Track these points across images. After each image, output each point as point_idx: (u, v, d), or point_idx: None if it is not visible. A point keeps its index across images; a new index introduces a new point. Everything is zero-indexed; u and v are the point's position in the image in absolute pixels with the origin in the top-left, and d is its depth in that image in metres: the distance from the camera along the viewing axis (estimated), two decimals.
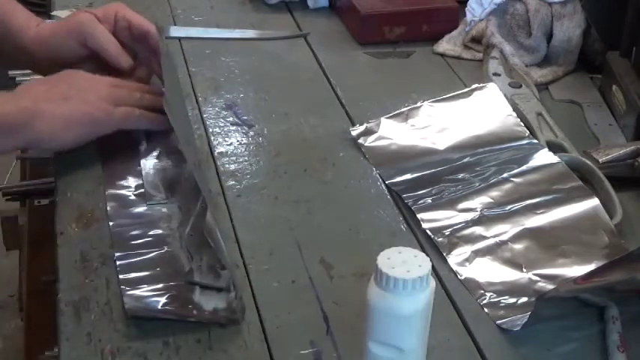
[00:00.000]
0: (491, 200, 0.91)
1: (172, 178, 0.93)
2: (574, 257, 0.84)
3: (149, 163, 0.95)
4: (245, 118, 1.06)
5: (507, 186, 0.93)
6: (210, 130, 1.03)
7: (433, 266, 0.66)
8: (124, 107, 0.96)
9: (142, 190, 0.91)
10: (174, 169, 0.94)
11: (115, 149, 0.98)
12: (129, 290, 0.76)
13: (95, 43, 1.02)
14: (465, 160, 0.96)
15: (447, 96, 1.06)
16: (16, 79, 1.18)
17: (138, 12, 1.26)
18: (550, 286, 0.80)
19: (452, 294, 0.80)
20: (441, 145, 0.99)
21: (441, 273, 0.83)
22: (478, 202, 0.91)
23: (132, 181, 0.92)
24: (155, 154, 0.96)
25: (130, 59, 1.04)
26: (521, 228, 0.88)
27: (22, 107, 0.90)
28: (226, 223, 0.88)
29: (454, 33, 1.25)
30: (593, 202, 0.90)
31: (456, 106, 1.04)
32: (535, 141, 0.99)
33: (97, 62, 1.03)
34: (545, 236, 0.87)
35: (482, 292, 0.80)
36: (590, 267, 0.82)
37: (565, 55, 1.19)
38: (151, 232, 0.85)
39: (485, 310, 0.79)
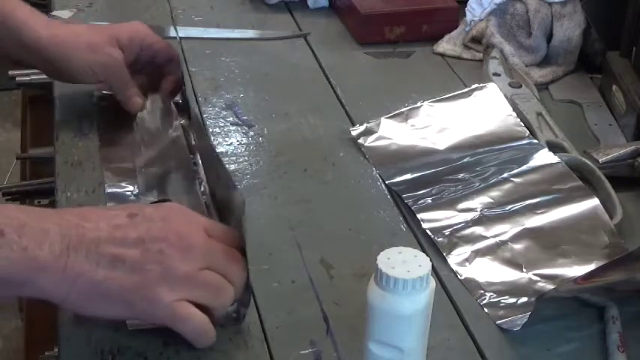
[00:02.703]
0: (491, 200, 0.91)
1: (163, 178, 0.92)
2: (574, 257, 0.84)
3: (144, 166, 0.94)
4: (245, 118, 1.06)
5: (507, 186, 0.93)
6: (210, 130, 1.03)
7: (433, 266, 0.66)
8: (192, 309, 0.70)
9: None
10: (165, 171, 0.93)
11: (116, 148, 0.98)
12: None
13: (115, 85, 1.00)
14: (465, 160, 0.96)
15: (447, 96, 1.06)
16: (17, 78, 1.18)
17: (138, 12, 1.27)
18: (550, 286, 0.80)
19: (452, 294, 0.80)
20: (441, 145, 0.99)
21: (441, 273, 0.83)
22: (478, 202, 0.91)
23: (132, 181, 0.92)
24: (152, 155, 0.96)
25: (142, 103, 1.01)
26: (521, 228, 0.88)
27: (29, 257, 0.66)
28: None
29: (454, 33, 1.25)
30: (593, 202, 0.90)
31: (456, 106, 1.04)
32: (535, 141, 0.99)
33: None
34: (545, 236, 0.87)
35: (482, 292, 0.80)
36: (590, 267, 0.82)
37: (565, 55, 1.19)
38: None
39: (485, 310, 0.79)
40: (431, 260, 0.64)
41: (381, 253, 0.64)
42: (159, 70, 1.04)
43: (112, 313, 0.70)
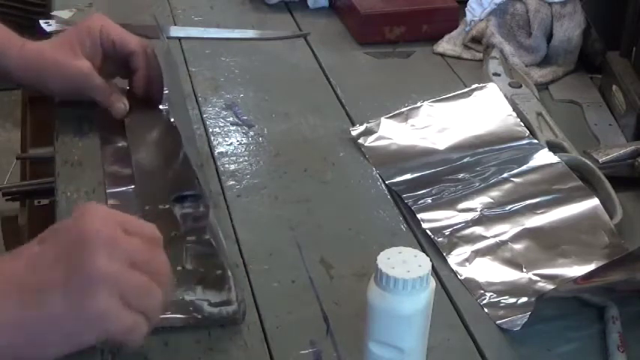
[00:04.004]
0: (491, 200, 0.91)
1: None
2: (574, 257, 0.84)
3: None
4: (245, 118, 1.06)
5: (507, 186, 0.93)
6: (210, 130, 1.03)
7: (433, 266, 0.66)
8: (136, 316, 0.66)
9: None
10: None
11: (117, 147, 0.98)
12: None
13: (92, 95, 1.00)
14: (465, 160, 0.96)
15: (447, 96, 1.06)
16: None
17: (138, 12, 1.27)
18: (550, 286, 0.80)
19: (452, 294, 0.80)
20: (441, 145, 0.99)
21: (441, 273, 0.83)
22: (478, 202, 0.91)
23: (133, 181, 0.92)
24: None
25: (124, 108, 1.01)
26: (521, 228, 0.88)
27: None
28: (226, 223, 0.88)
29: (454, 33, 1.25)
30: (593, 202, 0.90)
31: (456, 106, 1.04)
32: (535, 141, 0.99)
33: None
34: (545, 236, 0.87)
35: (482, 292, 0.80)
36: (590, 267, 0.82)
37: (565, 55, 1.19)
38: None
39: (485, 310, 0.79)
40: (431, 260, 0.64)
41: (381, 253, 0.64)
42: (128, 64, 1.03)
43: (69, 348, 0.65)
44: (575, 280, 0.76)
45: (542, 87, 1.15)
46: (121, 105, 1.01)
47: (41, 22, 1.22)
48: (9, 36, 1.00)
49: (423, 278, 0.63)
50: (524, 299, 0.79)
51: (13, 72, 0.99)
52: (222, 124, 1.05)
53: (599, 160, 0.95)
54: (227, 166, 0.97)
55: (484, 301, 0.79)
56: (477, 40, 1.22)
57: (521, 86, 1.09)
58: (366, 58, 1.22)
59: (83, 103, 1.04)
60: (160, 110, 1.04)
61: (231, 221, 0.88)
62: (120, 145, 0.98)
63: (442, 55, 1.23)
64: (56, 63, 0.98)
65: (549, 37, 1.18)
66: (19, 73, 0.99)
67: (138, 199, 0.89)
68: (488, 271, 0.83)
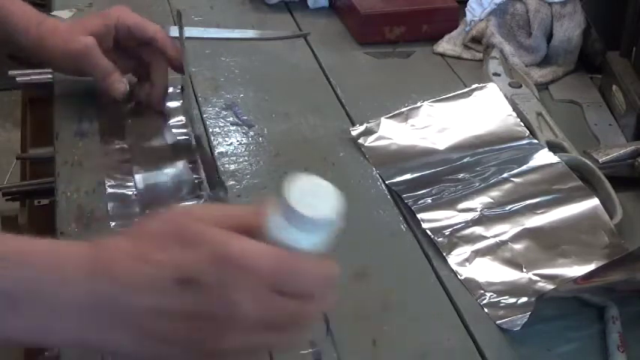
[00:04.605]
0: (491, 200, 0.91)
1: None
2: (574, 257, 0.84)
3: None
4: (245, 118, 1.06)
5: (507, 186, 0.93)
6: (210, 130, 1.03)
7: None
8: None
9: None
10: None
11: (117, 148, 0.98)
12: None
13: (93, 72, 1.01)
14: (465, 160, 0.96)
15: (447, 96, 1.06)
16: (17, 78, 1.18)
17: (138, 12, 1.26)
18: (550, 286, 0.80)
19: (452, 294, 0.80)
20: (441, 145, 0.99)
21: (441, 273, 0.83)
22: (478, 202, 0.91)
23: (133, 181, 0.92)
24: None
25: (124, 88, 1.01)
26: (521, 228, 0.88)
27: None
28: None
29: (454, 33, 1.25)
30: (593, 202, 0.90)
31: (456, 106, 1.04)
32: (535, 141, 0.99)
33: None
34: (545, 236, 0.87)
35: (482, 292, 0.80)
36: (590, 267, 0.82)
37: (565, 55, 1.19)
38: None
39: (485, 310, 0.79)
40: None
41: (291, 180, 0.59)
42: (150, 51, 1.04)
43: None
44: (575, 280, 0.76)
45: (542, 87, 1.15)
46: (121, 85, 1.01)
47: None
48: (30, 13, 1.03)
49: (328, 218, 0.58)
50: (524, 299, 0.79)
51: (30, 48, 1.02)
52: (222, 124, 1.05)
53: (599, 160, 0.95)
54: (227, 166, 0.97)
55: (484, 301, 0.79)
56: (477, 40, 1.22)
57: (521, 86, 1.09)
58: (366, 58, 1.22)
59: (83, 102, 1.04)
60: (162, 113, 1.04)
61: None
62: (120, 145, 0.98)
63: (442, 55, 1.23)
64: (63, 37, 1.01)
65: (549, 37, 1.18)
66: (34, 49, 1.02)
67: (138, 203, 0.89)
68: (488, 271, 0.83)
